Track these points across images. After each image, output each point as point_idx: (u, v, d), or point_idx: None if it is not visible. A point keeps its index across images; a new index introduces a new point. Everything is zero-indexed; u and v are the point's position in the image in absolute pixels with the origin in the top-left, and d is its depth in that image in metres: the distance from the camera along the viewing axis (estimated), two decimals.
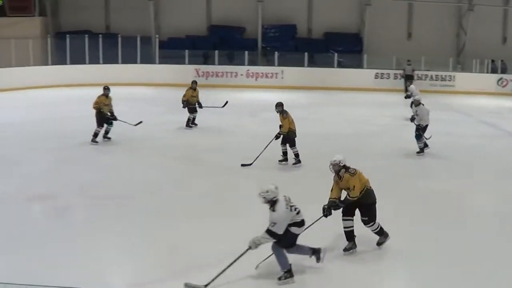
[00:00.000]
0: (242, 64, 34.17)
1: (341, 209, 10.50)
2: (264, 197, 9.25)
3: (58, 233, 11.55)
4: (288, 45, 35.90)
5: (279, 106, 16.98)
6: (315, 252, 9.83)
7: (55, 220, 12.45)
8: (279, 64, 34.21)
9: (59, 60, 34.08)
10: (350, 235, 10.58)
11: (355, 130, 22.04)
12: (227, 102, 22.43)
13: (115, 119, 19.34)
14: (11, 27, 33.46)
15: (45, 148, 18.60)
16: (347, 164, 10.55)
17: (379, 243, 10.80)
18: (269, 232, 9.17)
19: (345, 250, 10.53)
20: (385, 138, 21.24)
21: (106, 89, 19.47)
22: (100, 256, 10.22)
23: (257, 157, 16.47)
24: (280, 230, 9.19)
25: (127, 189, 14.34)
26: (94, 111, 19.03)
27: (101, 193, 14.12)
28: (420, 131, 18.24)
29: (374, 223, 10.58)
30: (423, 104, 18.59)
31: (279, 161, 16.92)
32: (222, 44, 35.53)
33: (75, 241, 11.00)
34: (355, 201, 10.39)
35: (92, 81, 31.84)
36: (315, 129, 21.46)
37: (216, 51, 34.43)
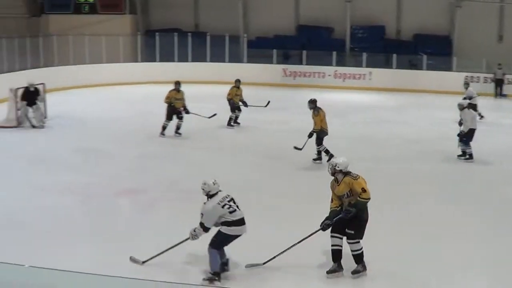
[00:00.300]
0: (330, 64, 34.01)
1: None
2: (202, 189, 9.57)
3: (145, 226, 11.75)
4: (376, 46, 35.55)
5: (311, 103, 16.99)
6: (223, 264, 9.65)
7: (142, 214, 12.70)
8: (367, 65, 33.89)
9: (149, 57, 34.69)
10: (336, 255, 9.64)
11: (441, 133, 21.63)
12: (269, 102, 22.35)
13: (187, 112, 19.93)
14: (102, 24, 34.18)
15: (134, 143, 19.01)
16: (350, 171, 9.76)
17: (354, 272, 9.60)
18: (200, 223, 9.44)
19: (328, 272, 9.63)
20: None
21: (177, 84, 20.19)
22: (184, 251, 10.32)
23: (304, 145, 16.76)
24: (207, 223, 9.39)
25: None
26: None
27: (189, 188, 14.24)
28: (464, 136, 17.49)
29: (359, 242, 9.55)
30: (468, 109, 17.92)
31: (313, 160, 16.96)
32: (310, 44, 35.45)
33: (161, 235, 11.15)
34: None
35: (180, 78, 32.18)
36: (402, 131, 21.26)
37: (304, 51, 34.37)
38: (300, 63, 34.43)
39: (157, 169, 16.00)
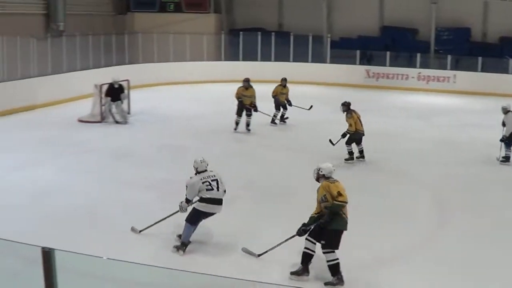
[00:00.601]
0: (414, 66, 33.57)
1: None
2: (193, 166, 10.75)
3: (219, 224, 11.81)
4: (461, 48, 34.88)
5: (344, 105, 17.23)
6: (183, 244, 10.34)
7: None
8: (451, 68, 33.27)
9: (232, 56, 34.90)
10: (305, 258, 9.53)
11: None
12: (311, 106, 22.23)
13: (256, 110, 20.41)
14: (186, 23, 34.50)
15: (215, 140, 19.20)
16: (332, 176, 9.62)
17: (327, 284, 9.31)
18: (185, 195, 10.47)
19: (292, 273, 9.53)
20: None
21: (246, 81, 20.60)
22: (256, 249, 10.34)
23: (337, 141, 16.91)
24: (189, 195, 10.42)
25: (292, 185, 14.51)
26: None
27: (265, 187, 14.31)
28: (507, 140, 17.11)
29: (333, 252, 9.27)
30: None
31: (345, 160, 16.89)
32: (393, 45, 35.08)
33: (235, 233, 11.23)
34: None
35: (263, 77, 32.38)
36: (487, 135, 20.80)
37: (388, 52, 34.01)
38: (384, 64, 34.06)
39: (236, 167, 16.05)
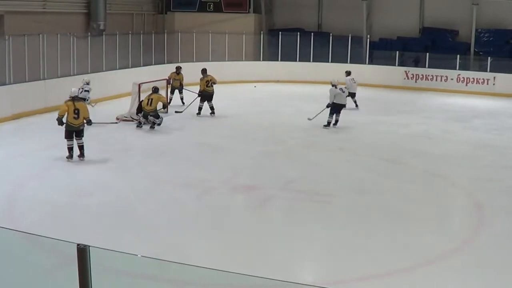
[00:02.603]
0: (453, 68, 33.25)
1: None
2: None
3: (257, 223, 11.84)
4: (502, 50, 34.43)
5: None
6: None
7: (254, 211, 12.83)
8: (491, 70, 32.91)
9: (271, 56, 34.97)
10: None
11: None
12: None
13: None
14: (226, 23, 34.66)
15: (254, 140, 19.21)
16: None
17: None
18: None
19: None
20: None
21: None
22: (291, 249, 10.35)
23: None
24: None
25: (331, 187, 14.42)
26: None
27: (303, 188, 14.28)
28: None
29: None
30: None
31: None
32: (433, 46, 34.82)
33: (271, 233, 11.26)
34: None
35: (301, 78, 32.49)
36: None
37: (427, 54, 33.76)
38: (423, 66, 33.80)
39: (275, 167, 16.08)
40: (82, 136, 15.81)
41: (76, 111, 15.59)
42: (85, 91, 21.20)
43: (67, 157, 15.71)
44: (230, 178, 14.91)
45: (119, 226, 11.46)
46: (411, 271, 9.72)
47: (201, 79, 22.89)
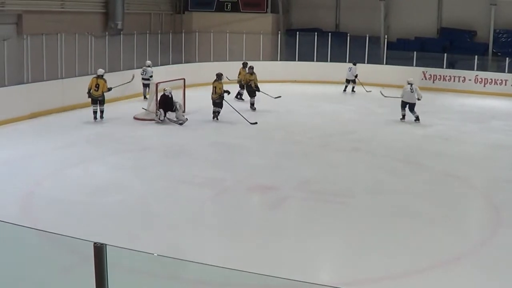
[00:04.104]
0: (471, 69, 33.05)
1: None
2: None
3: (272, 223, 11.86)
4: None
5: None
6: None
7: (270, 211, 12.81)
8: (510, 71, 32.68)
9: (288, 56, 34.94)
10: None
11: None
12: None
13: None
14: (243, 23, 34.70)
15: (272, 140, 19.22)
16: None
17: None
18: None
19: None
20: None
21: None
22: (308, 250, 10.35)
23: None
24: None
25: (348, 188, 14.38)
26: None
27: (319, 189, 14.27)
28: None
29: None
30: None
31: None
32: (451, 47, 34.68)
33: (286, 233, 11.29)
34: None
35: (318, 78, 32.43)
36: None
37: (445, 54, 33.59)
38: (441, 66, 33.63)
39: (292, 167, 16.07)
40: (103, 104, 20.93)
41: (97, 85, 20.73)
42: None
43: (94, 118, 20.87)
44: (246, 178, 14.93)
45: (136, 225, 11.51)
46: (427, 273, 9.68)
47: (250, 74, 25.12)
